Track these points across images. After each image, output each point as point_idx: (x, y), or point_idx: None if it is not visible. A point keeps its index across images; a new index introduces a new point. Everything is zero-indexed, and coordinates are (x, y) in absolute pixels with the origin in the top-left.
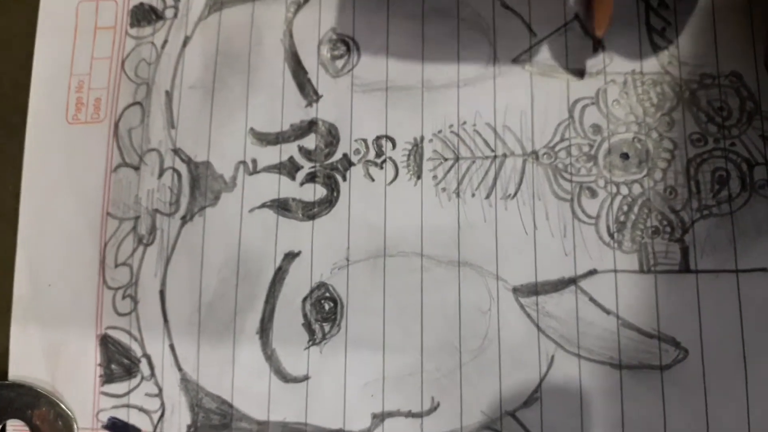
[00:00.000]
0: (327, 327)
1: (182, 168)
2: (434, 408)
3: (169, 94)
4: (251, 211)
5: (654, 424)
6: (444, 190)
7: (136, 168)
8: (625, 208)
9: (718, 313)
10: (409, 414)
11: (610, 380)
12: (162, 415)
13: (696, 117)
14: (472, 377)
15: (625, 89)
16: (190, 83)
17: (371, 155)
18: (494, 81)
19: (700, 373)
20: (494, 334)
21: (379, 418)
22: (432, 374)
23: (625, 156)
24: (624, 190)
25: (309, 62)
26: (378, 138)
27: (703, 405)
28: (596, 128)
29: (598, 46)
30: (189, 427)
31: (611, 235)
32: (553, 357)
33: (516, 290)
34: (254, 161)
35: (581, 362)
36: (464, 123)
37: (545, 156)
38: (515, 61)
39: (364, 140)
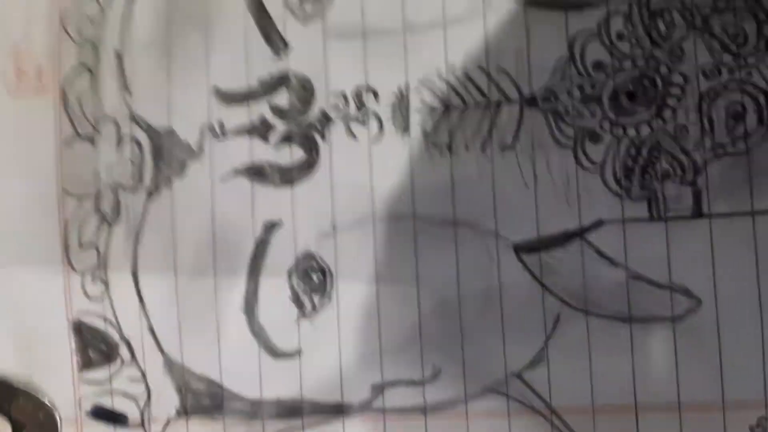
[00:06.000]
0: (317, 299)
1: (142, 136)
2: (436, 374)
3: (119, 55)
4: (222, 180)
5: (666, 377)
6: (435, 144)
7: (91, 139)
8: (633, 152)
9: (733, 258)
10: (410, 382)
11: (619, 335)
12: (148, 400)
13: (709, 46)
14: (475, 340)
15: (630, 20)
16: (142, 40)
17: (352, 110)
18: (484, 17)
19: (713, 323)
20: (495, 294)
21: (379, 388)
22: (431, 340)
23: (631, 95)
24: (631, 133)
25: (273, 6)
26: (358, 89)
27: (717, 355)
28: (599, 66)
29: None
30: (178, 410)
31: (618, 183)
32: (558, 315)
33: (517, 247)
34: (221, 124)
35: (588, 319)
36: (453, 67)
37: (544, 100)
38: None
39: (343, 93)
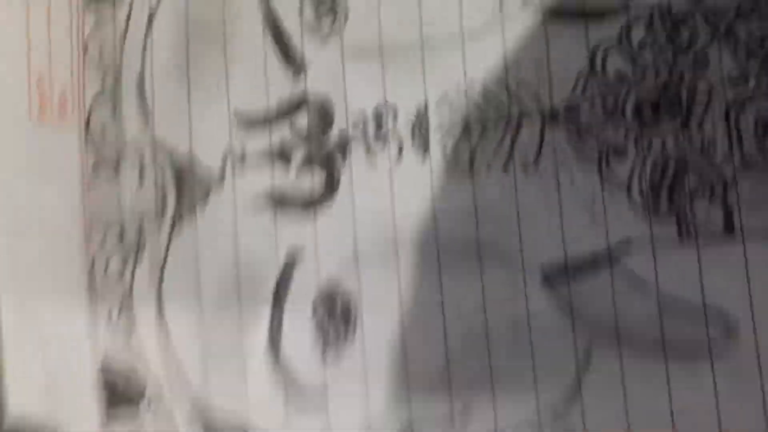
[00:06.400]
0: (342, 332)
1: (165, 164)
2: (466, 412)
3: (140, 80)
4: (245, 208)
5: (706, 413)
6: (456, 164)
7: (115, 169)
8: (659, 168)
9: None
10: (440, 421)
11: (655, 369)
12: None
13: (734, 53)
14: (504, 376)
15: (651, 27)
16: (161, 64)
17: (371, 131)
18: (503, 29)
19: (753, 351)
20: (524, 325)
21: (408, 429)
22: (460, 375)
23: (655, 107)
24: (657, 147)
25: (290, 24)
26: (377, 109)
27: (759, 388)
28: (621, 77)
29: None
30: None
31: (645, 200)
32: (590, 348)
33: (545, 275)
34: (243, 148)
35: (621, 348)
36: (472, 82)
37: (566, 114)
38: (525, 3)
39: (362, 113)
